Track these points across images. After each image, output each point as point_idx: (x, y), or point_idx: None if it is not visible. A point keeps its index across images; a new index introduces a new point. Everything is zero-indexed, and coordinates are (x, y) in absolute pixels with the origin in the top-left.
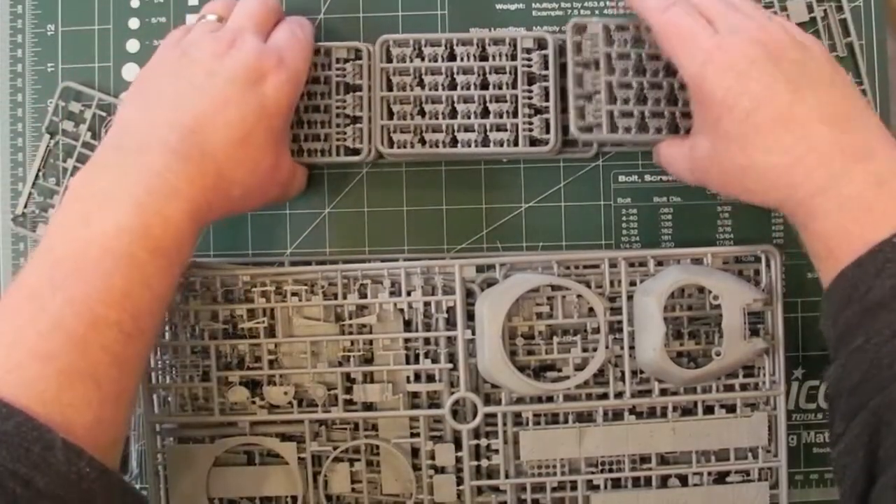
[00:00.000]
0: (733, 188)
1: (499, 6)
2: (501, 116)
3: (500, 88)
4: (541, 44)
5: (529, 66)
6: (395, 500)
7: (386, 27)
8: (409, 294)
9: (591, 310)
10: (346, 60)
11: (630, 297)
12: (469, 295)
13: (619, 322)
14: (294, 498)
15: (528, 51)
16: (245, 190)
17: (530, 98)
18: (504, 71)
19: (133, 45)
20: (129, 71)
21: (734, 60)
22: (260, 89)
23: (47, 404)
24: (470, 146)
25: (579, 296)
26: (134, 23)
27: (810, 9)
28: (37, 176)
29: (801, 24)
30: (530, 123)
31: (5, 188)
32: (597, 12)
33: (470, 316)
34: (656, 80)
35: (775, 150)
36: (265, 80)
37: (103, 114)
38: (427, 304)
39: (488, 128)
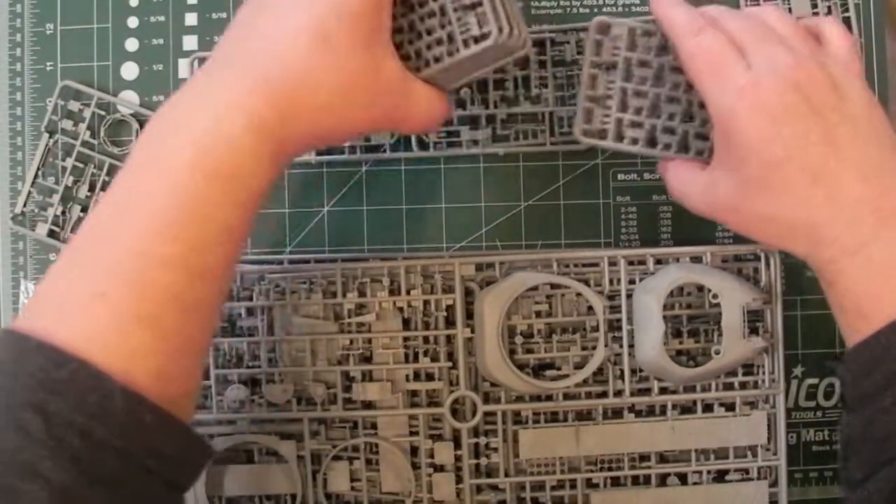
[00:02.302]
0: (754, 233)
1: None
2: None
3: None
4: None
5: None
6: (395, 498)
7: None
8: (408, 292)
9: (590, 308)
10: None
11: (629, 296)
12: (468, 293)
13: (619, 320)
14: (293, 496)
15: None
16: (333, 94)
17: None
18: None
19: (132, 44)
20: (129, 69)
21: (769, 103)
22: None
23: (105, 352)
24: None
25: (578, 294)
26: (133, 21)
27: (814, 5)
28: (36, 175)
29: (801, 19)
30: (467, 23)
31: (4, 187)
32: (595, 10)
33: (469, 314)
34: (675, 94)
35: (804, 206)
36: None
37: (102, 112)
38: (426, 302)
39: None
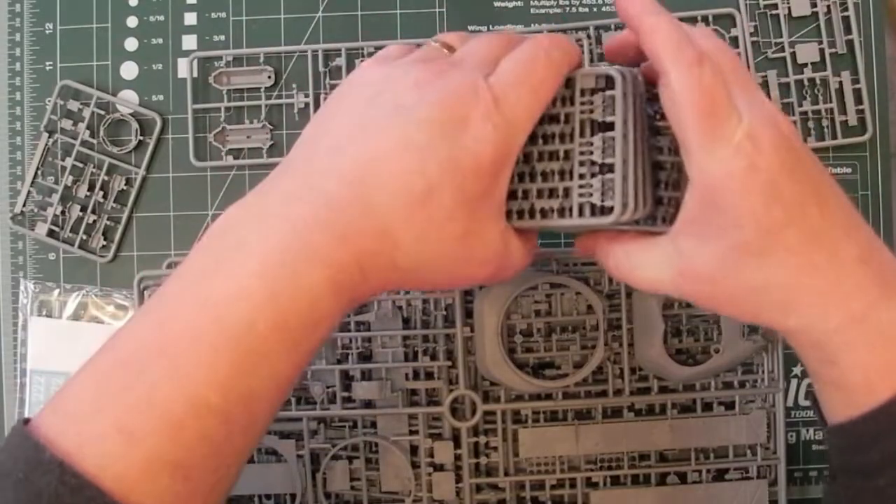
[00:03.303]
0: (736, 306)
1: (497, 3)
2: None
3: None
4: (608, 83)
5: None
6: (394, 497)
7: (384, 26)
8: (407, 291)
9: (589, 307)
10: (595, 91)
11: (629, 295)
12: (467, 292)
13: (618, 319)
14: (293, 496)
15: (592, 91)
16: (418, 262)
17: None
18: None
19: (131, 44)
20: (128, 69)
21: (768, 162)
22: (456, 137)
23: (126, 489)
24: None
25: (578, 293)
26: (132, 21)
27: (813, 4)
28: (35, 174)
29: (801, 18)
30: (589, 185)
31: (4, 187)
32: (594, 10)
33: (468, 313)
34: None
35: (806, 271)
36: (466, 127)
37: (102, 112)
38: (425, 301)
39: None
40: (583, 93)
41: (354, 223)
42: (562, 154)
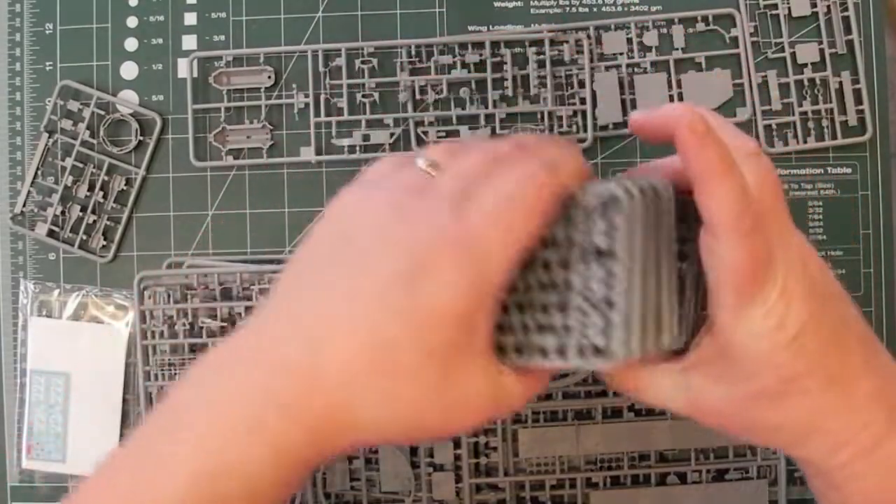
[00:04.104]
0: (748, 436)
1: (497, 4)
2: None
3: None
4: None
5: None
6: (394, 497)
7: (384, 26)
8: None
9: None
10: (598, 211)
11: None
12: None
13: None
14: (292, 496)
15: (595, 211)
16: (382, 427)
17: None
18: None
19: (131, 44)
20: (128, 69)
21: (795, 317)
22: (416, 287)
23: None
24: None
25: None
26: (132, 21)
27: (813, 4)
28: (35, 174)
29: (801, 18)
30: (589, 323)
31: (4, 187)
32: (594, 10)
33: None
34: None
35: (819, 412)
36: (428, 275)
37: (102, 112)
38: None
39: None
40: (585, 212)
41: (302, 383)
42: (562, 284)
